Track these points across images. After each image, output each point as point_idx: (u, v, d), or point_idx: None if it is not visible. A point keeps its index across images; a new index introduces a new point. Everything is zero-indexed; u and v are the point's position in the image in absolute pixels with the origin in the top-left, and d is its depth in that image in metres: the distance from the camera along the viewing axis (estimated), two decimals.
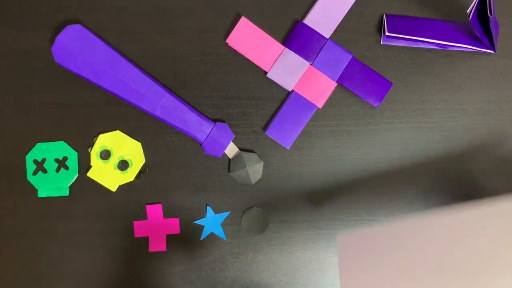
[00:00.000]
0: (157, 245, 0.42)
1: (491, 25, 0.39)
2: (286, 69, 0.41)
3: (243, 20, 0.41)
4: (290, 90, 0.42)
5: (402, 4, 0.42)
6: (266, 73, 0.42)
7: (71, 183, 0.41)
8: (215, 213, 0.42)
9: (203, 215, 0.42)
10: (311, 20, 0.42)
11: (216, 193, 0.42)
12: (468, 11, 0.37)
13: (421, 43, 0.42)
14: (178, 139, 0.42)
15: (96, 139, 0.41)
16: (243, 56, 0.42)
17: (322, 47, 0.42)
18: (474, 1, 0.37)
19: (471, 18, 0.38)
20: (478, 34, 0.39)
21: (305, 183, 0.42)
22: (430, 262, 0.33)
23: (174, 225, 0.42)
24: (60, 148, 0.41)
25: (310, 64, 0.42)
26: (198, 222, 0.42)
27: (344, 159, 0.42)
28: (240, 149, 0.42)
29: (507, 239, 0.31)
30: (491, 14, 0.37)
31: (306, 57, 0.42)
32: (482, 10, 0.38)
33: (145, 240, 0.42)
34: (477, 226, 0.32)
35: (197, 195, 0.42)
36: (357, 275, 0.35)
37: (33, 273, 0.41)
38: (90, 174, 0.41)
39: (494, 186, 0.42)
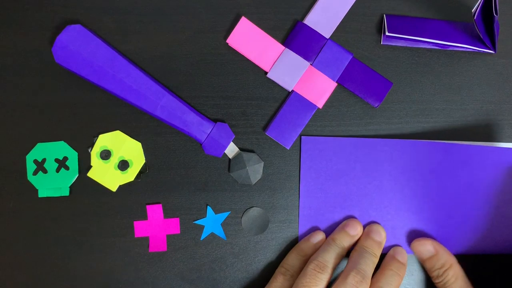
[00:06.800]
0: (157, 245, 0.42)
1: (495, 24, 0.38)
2: (286, 69, 0.41)
3: (243, 20, 0.41)
4: (290, 90, 0.42)
5: (402, 4, 0.42)
6: (266, 73, 0.42)
7: (71, 183, 0.41)
8: (215, 213, 0.42)
9: (203, 215, 0.42)
10: (311, 20, 0.42)
11: (216, 193, 0.42)
12: (473, 10, 0.37)
13: (421, 43, 0.42)
14: (178, 139, 0.42)
15: (96, 139, 0.41)
16: (243, 56, 0.42)
17: (322, 47, 0.42)
18: (479, 1, 0.37)
19: (476, 18, 0.38)
20: (480, 34, 0.39)
21: None
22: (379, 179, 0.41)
23: (174, 225, 0.42)
24: (60, 148, 0.41)
25: (310, 64, 0.42)
26: (198, 222, 0.42)
27: None
28: (240, 149, 0.42)
29: None
30: (496, 13, 0.37)
31: (306, 57, 0.42)
32: (485, 9, 0.38)
33: (145, 240, 0.42)
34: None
35: (197, 195, 0.42)
36: (315, 175, 0.41)
37: (33, 273, 0.41)
38: (90, 174, 0.41)
39: None
